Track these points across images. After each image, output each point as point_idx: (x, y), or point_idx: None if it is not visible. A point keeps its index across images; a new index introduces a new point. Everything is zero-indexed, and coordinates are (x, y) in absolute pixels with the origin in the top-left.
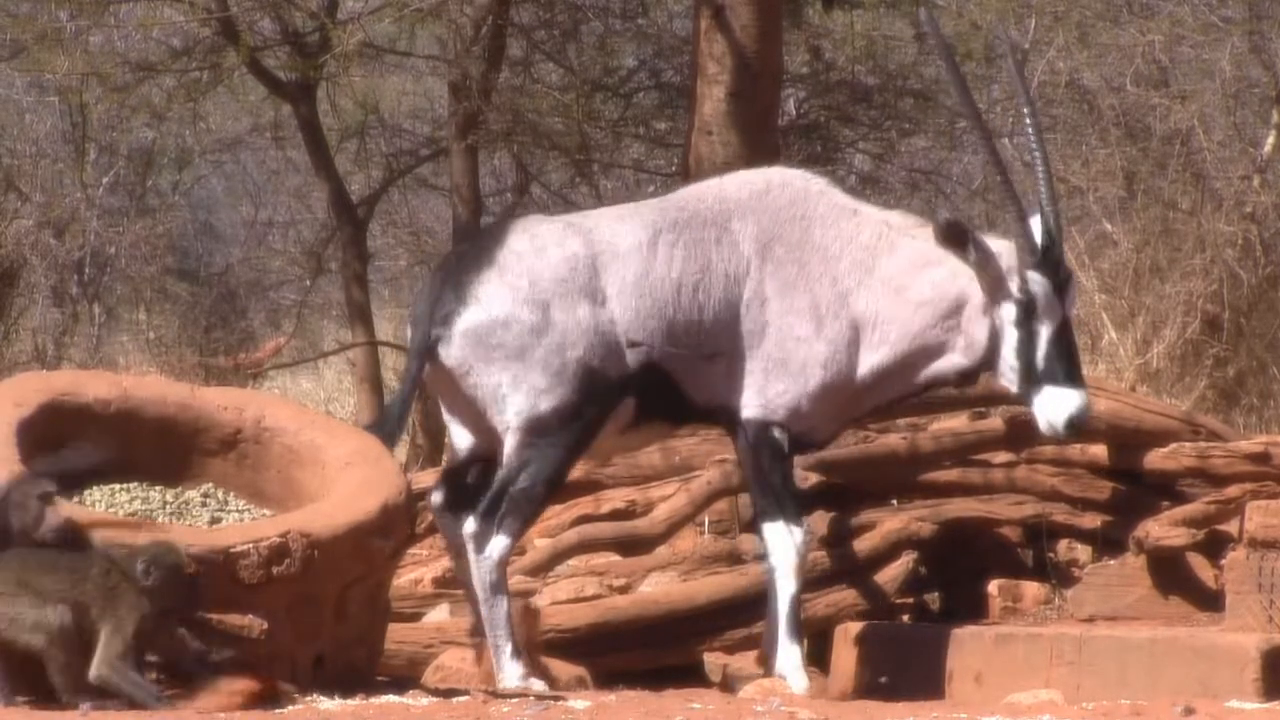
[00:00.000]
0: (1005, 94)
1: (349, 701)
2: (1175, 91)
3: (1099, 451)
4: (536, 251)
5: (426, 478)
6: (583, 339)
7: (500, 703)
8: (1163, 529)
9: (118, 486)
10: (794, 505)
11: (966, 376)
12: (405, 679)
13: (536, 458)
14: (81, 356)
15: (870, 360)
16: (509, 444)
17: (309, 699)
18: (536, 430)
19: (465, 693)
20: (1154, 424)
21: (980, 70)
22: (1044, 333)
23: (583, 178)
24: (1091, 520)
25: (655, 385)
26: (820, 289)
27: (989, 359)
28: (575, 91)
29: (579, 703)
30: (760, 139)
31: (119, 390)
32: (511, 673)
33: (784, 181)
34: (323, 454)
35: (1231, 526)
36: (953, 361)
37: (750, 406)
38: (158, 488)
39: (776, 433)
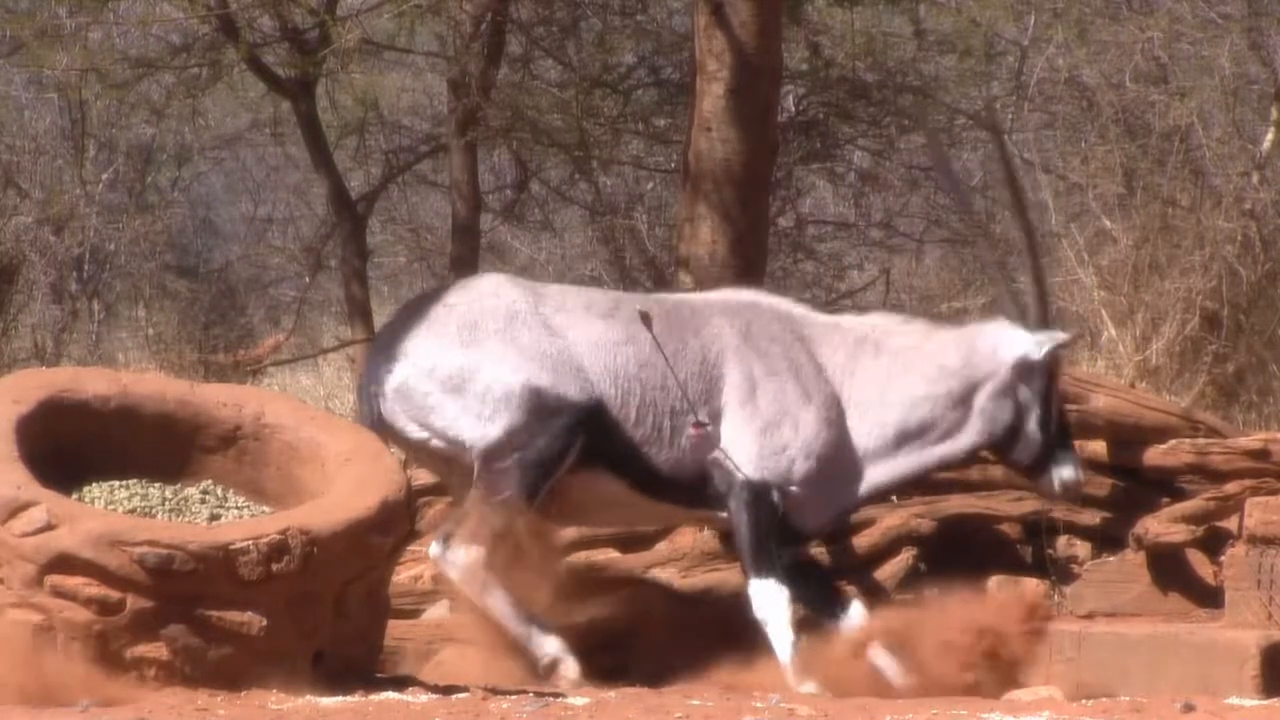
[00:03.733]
0: (1004, 90)
1: (348, 698)
2: (1174, 88)
3: (1098, 448)
4: (469, 301)
5: (426, 474)
6: (526, 364)
7: (499, 699)
8: (1162, 525)
9: (117, 483)
10: (780, 565)
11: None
12: (405, 676)
13: (499, 480)
14: (81, 353)
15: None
16: (475, 471)
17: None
18: (494, 456)
19: (464, 690)
20: (1153, 420)
21: (980, 67)
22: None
23: (582, 174)
24: (1091, 517)
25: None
26: (806, 379)
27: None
28: (574, 88)
29: (578, 699)
30: (760, 136)
31: (118, 387)
32: (550, 646)
33: (770, 303)
34: (322, 451)
35: (1231, 523)
36: (962, 443)
37: (748, 467)
38: (157, 484)
39: (774, 495)
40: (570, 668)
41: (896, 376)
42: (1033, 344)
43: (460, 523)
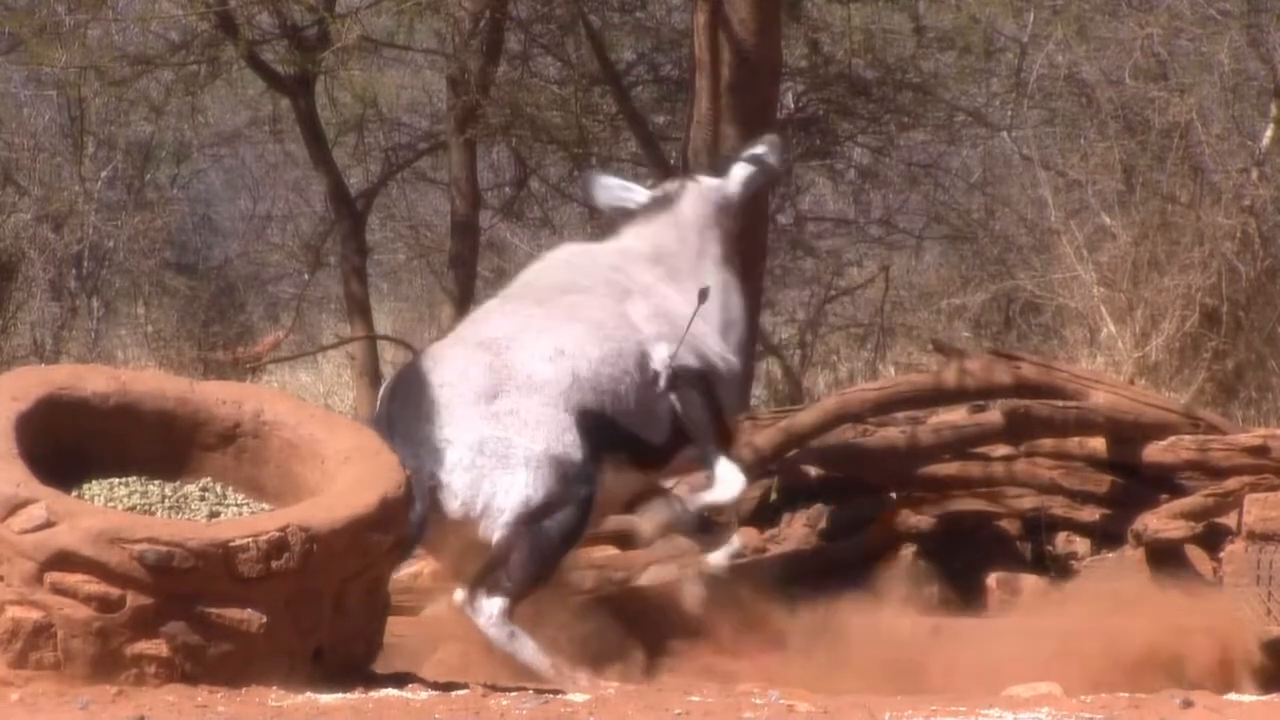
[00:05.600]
0: (1004, 87)
1: (348, 695)
2: (1174, 85)
3: (1098, 445)
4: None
5: None
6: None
7: (499, 696)
8: (1161, 521)
9: (116, 480)
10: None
11: None
12: (405, 673)
13: (529, 540)
14: (80, 350)
15: None
16: (499, 536)
17: (308, 693)
18: (527, 520)
19: (464, 686)
20: (1153, 417)
21: (979, 63)
22: None
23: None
24: (1090, 513)
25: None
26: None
27: None
28: (573, 85)
29: (577, 696)
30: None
31: (117, 384)
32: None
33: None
34: (322, 448)
35: (1230, 519)
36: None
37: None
38: (156, 482)
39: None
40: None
41: (693, 264)
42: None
43: (485, 572)
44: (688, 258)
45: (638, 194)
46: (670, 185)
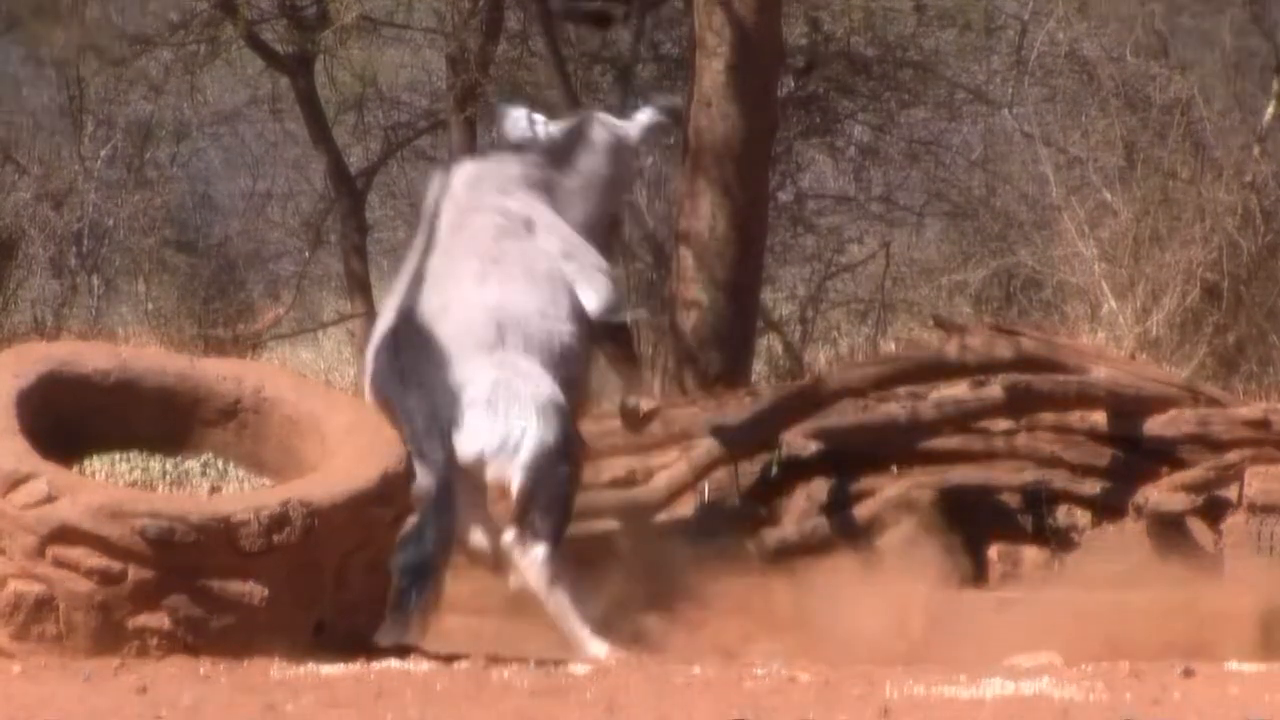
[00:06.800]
0: (1005, 64)
1: (350, 667)
2: (1175, 61)
3: (1099, 419)
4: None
5: None
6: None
7: (501, 668)
8: (1162, 494)
9: (117, 456)
10: None
11: None
12: (406, 645)
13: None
14: (81, 328)
15: None
16: (521, 479)
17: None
18: (544, 462)
19: (466, 658)
20: (1154, 391)
21: (980, 40)
22: None
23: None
24: (1091, 486)
25: None
26: None
27: None
28: (573, 64)
29: (579, 668)
30: (760, 111)
31: (118, 361)
32: (598, 650)
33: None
34: (322, 423)
35: (1231, 492)
36: None
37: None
38: (157, 458)
39: None
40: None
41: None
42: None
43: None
44: (580, 193)
45: (542, 126)
46: (575, 119)
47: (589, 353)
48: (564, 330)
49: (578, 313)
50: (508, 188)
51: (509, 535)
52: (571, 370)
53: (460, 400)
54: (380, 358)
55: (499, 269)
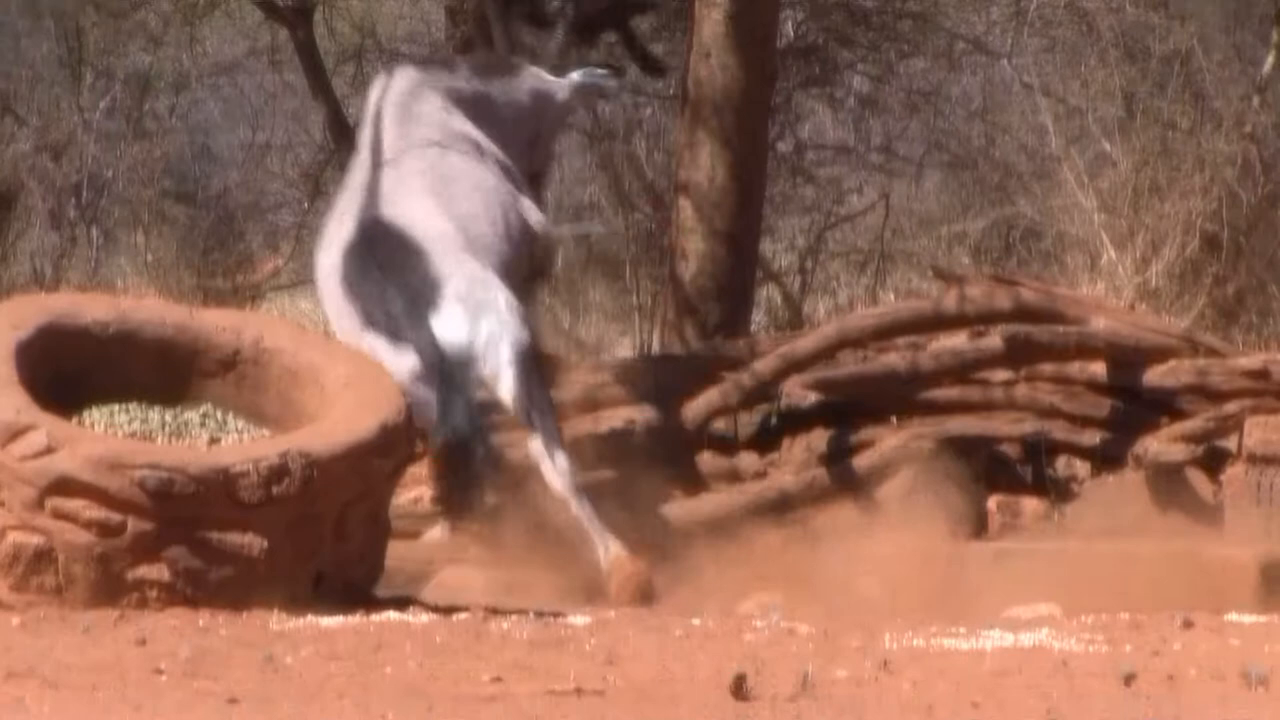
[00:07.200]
0: (1004, 15)
1: (350, 618)
2: (1174, 12)
3: (1098, 369)
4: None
5: None
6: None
7: (500, 619)
8: (1162, 444)
9: (117, 408)
10: None
11: None
12: (405, 596)
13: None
14: (80, 279)
15: None
16: (509, 375)
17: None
18: (525, 360)
19: (465, 610)
20: (1153, 342)
21: None
22: None
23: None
24: (1091, 437)
25: None
26: None
27: None
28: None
29: (579, 619)
30: (759, 61)
31: (117, 312)
32: (615, 548)
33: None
34: (321, 374)
35: (1231, 442)
36: None
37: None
38: (156, 409)
39: None
40: (633, 569)
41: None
42: None
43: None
44: (501, 123)
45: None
46: (514, 62)
47: (526, 268)
48: (512, 245)
49: (522, 229)
50: (447, 104)
51: (535, 444)
52: (517, 284)
53: (441, 293)
54: (352, 256)
55: (450, 186)
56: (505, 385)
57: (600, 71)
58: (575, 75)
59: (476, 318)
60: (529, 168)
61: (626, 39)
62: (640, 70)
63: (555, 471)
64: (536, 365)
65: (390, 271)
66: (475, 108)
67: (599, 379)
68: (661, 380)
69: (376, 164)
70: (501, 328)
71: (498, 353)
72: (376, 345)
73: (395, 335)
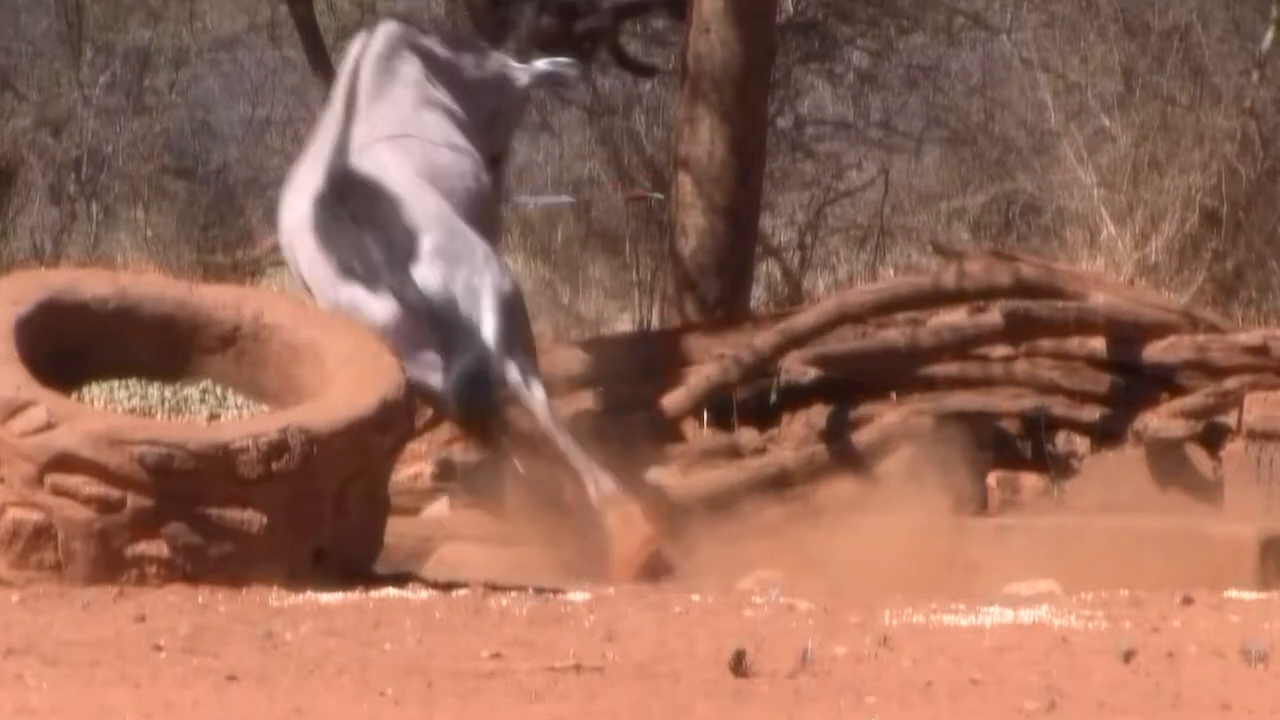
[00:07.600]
0: None
1: (349, 594)
2: None
3: (1098, 345)
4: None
5: None
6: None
7: (499, 595)
8: (1162, 420)
9: (116, 384)
10: None
11: None
12: (405, 572)
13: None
14: (79, 254)
15: None
16: (490, 320)
17: (309, 592)
18: (506, 306)
19: (464, 585)
20: (1153, 317)
21: None
22: None
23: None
24: (1090, 412)
25: None
26: None
27: None
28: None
29: (578, 595)
30: (759, 37)
31: (117, 288)
32: (606, 482)
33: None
34: (321, 350)
35: (1230, 418)
36: None
37: None
38: (156, 385)
39: None
40: (623, 502)
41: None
42: None
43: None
44: (467, 93)
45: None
46: (479, 42)
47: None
48: (484, 203)
49: (492, 191)
50: (424, 67)
51: (514, 374)
52: (489, 238)
53: (419, 241)
54: (324, 205)
55: (423, 141)
56: (487, 330)
57: (564, 60)
58: (539, 64)
59: (455, 267)
60: (488, 149)
61: (617, 55)
62: (632, 76)
63: (537, 403)
64: (517, 311)
65: (364, 221)
66: (448, 75)
67: (597, 355)
68: (661, 355)
69: (350, 116)
70: (481, 277)
71: (478, 300)
72: (355, 294)
73: (373, 284)
